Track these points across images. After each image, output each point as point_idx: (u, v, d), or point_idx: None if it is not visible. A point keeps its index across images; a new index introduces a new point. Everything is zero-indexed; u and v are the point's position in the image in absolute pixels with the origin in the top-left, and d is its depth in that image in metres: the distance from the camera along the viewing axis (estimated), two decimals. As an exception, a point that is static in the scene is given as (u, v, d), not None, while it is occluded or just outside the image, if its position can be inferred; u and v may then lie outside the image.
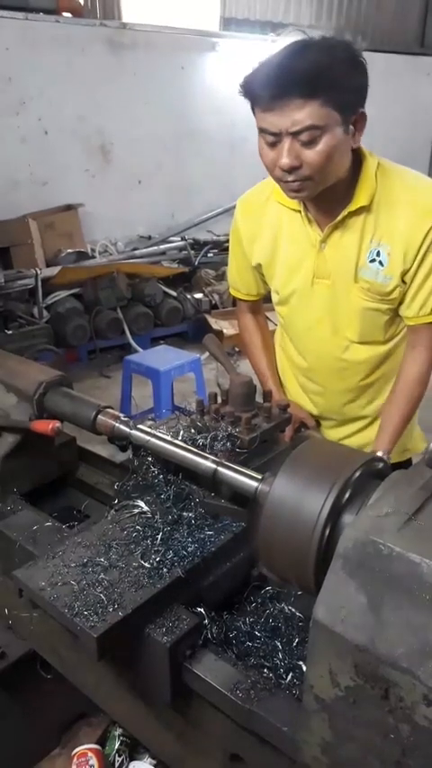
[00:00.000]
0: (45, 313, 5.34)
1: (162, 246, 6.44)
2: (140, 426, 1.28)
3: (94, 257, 5.94)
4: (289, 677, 1.05)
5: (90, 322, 5.50)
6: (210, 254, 6.60)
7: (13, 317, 4.99)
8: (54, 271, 5.42)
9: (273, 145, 1.43)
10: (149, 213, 6.67)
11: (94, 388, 5.17)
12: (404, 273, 1.60)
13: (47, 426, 1.41)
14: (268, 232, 1.76)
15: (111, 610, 1.05)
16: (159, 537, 1.19)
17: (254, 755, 1.07)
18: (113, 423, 1.33)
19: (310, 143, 1.39)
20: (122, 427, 1.31)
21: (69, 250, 5.76)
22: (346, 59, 1.37)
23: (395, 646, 0.74)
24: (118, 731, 1.89)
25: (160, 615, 1.10)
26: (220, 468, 1.13)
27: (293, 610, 1.21)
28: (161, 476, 1.29)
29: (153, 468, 1.30)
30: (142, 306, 5.84)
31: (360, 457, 0.97)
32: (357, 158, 1.55)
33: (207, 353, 3.99)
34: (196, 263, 6.48)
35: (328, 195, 1.54)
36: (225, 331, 5.74)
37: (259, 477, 1.08)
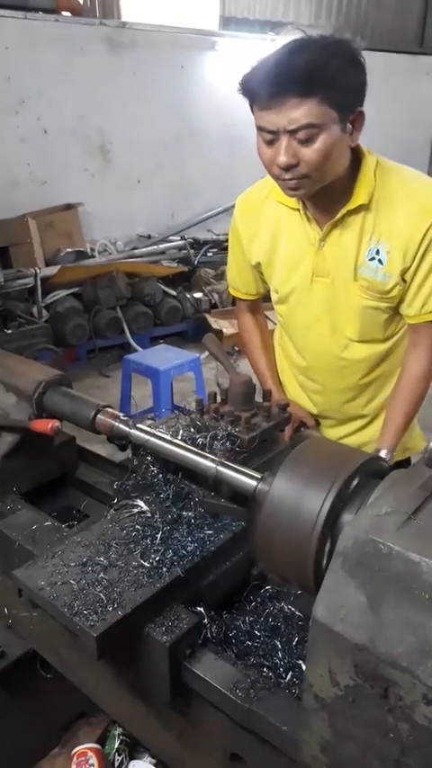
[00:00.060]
0: (44, 312, 5.34)
1: (161, 246, 6.44)
2: (140, 426, 1.28)
3: (93, 257, 5.94)
4: (288, 676, 1.05)
5: (89, 321, 5.50)
6: (209, 254, 6.60)
7: (13, 317, 4.99)
8: (53, 270, 5.41)
9: (270, 143, 1.43)
10: (149, 212, 6.66)
11: (94, 388, 5.17)
12: (404, 272, 1.60)
13: (46, 426, 1.41)
14: (267, 231, 1.76)
15: (110, 609, 1.05)
16: (159, 536, 1.19)
17: (253, 755, 1.07)
18: (113, 422, 1.33)
19: (307, 141, 1.39)
20: (122, 426, 1.31)
21: (69, 249, 5.76)
22: (344, 58, 1.36)
23: (395, 645, 0.74)
24: (118, 730, 1.89)
25: (160, 614, 1.10)
26: (220, 468, 1.13)
27: (293, 609, 1.21)
28: (161, 475, 1.29)
29: (152, 468, 1.30)
30: (142, 305, 5.84)
31: (360, 456, 0.97)
32: (356, 157, 1.55)
33: (206, 353, 3.98)
34: (196, 262, 6.48)
35: (327, 193, 1.54)
36: (225, 330, 5.74)
37: (259, 476, 1.08)
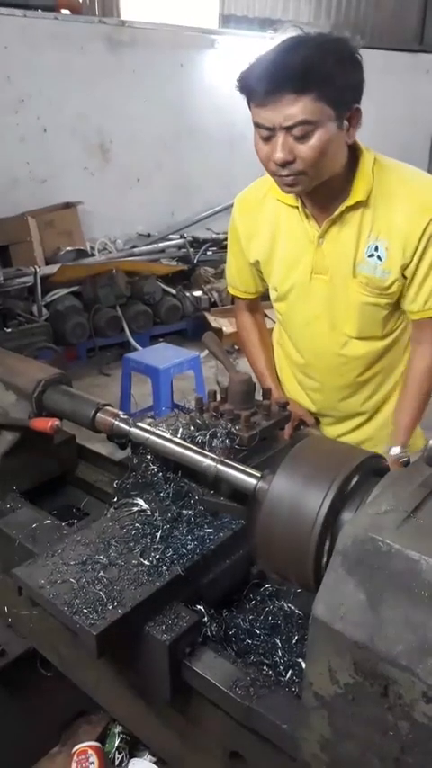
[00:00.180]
0: (44, 311, 5.34)
1: (161, 244, 6.44)
2: (140, 424, 1.28)
3: (93, 255, 5.94)
4: (288, 674, 1.05)
5: (89, 320, 5.49)
6: (209, 252, 6.59)
7: (13, 315, 4.99)
8: (53, 269, 5.41)
9: (267, 139, 1.43)
10: (149, 211, 6.66)
11: (94, 386, 5.17)
12: (404, 268, 1.60)
13: (46, 424, 1.41)
14: (266, 229, 1.76)
15: (110, 607, 1.05)
16: (159, 535, 1.18)
17: (253, 752, 1.07)
18: (113, 420, 1.33)
19: (303, 138, 1.39)
20: (122, 425, 1.31)
21: (68, 248, 5.75)
22: (341, 55, 1.37)
23: (394, 643, 0.74)
24: (118, 728, 1.89)
25: (160, 613, 1.10)
26: (220, 466, 1.13)
27: (293, 607, 1.21)
28: (160, 473, 1.29)
29: (152, 466, 1.30)
30: (141, 304, 5.84)
31: (359, 454, 0.97)
32: (354, 154, 1.55)
33: (206, 351, 3.99)
34: (195, 260, 6.47)
35: (325, 190, 1.54)
36: (224, 329, 5.74)
37: (258, 474, 1.08)
